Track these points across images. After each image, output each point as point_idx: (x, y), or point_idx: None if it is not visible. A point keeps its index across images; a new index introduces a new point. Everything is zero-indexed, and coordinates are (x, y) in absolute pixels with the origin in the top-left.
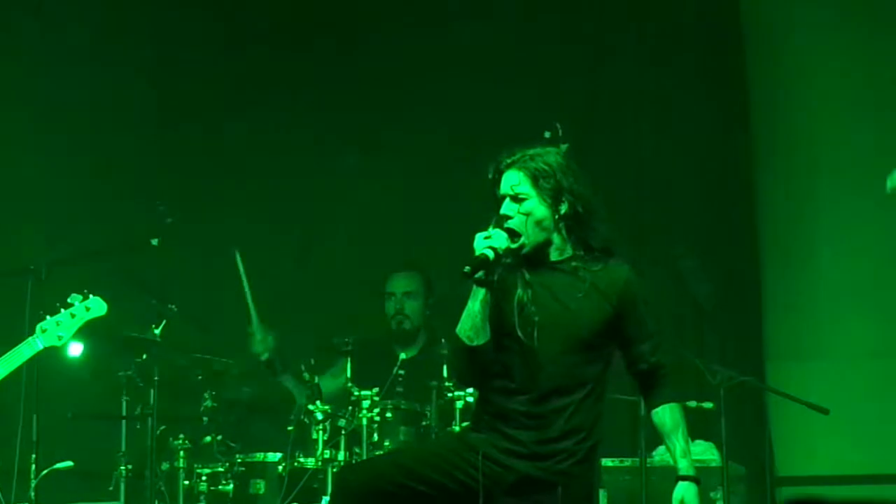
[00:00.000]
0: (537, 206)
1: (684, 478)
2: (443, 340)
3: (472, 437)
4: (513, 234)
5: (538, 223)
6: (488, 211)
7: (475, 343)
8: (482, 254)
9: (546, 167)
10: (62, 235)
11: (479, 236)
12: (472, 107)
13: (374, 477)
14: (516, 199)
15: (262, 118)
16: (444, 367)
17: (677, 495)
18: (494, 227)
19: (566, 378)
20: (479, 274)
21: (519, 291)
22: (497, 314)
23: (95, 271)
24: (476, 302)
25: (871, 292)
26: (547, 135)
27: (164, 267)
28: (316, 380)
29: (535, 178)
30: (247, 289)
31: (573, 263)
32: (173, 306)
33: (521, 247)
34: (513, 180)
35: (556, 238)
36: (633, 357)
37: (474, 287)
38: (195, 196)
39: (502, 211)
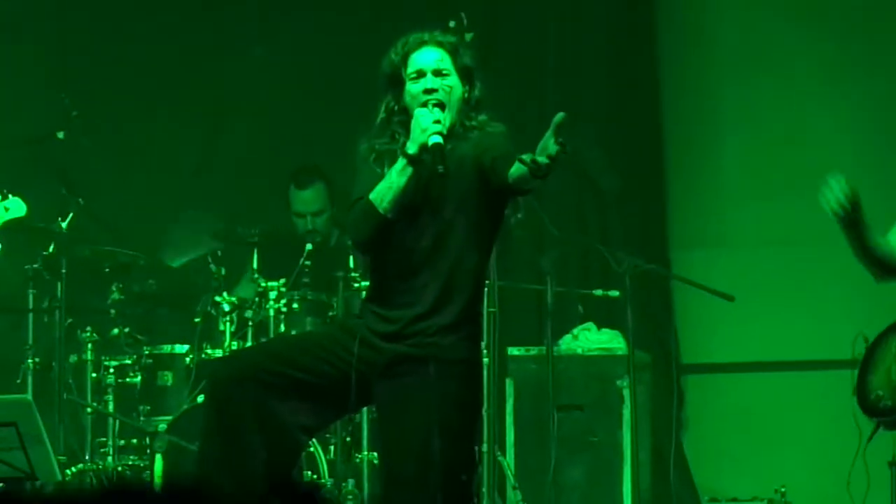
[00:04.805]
0: (457, 84)
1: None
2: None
3: (351, 322)
4: (441, 108)
5: (457, 101)
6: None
7: (391, 217)
8: (437, 142)
9: (462, 47)
10: None
11: (425, 116)
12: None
13: (246, 367)
14: (440, 73)
15: (168, 10)
16: (350, 258)
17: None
18: (429, 106)
19: (434, 253)
20: (440, 167)
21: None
22: None
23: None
24: (404, 178)
25: (774, 179)
26: (452, 24)
27: (71, 160)
28: (223, 271)
29: (454, 56)
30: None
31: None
32: (80, 199)
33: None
34: (435, 55)
35: None
36: (499, 172)
37: (403, 161)
38: (100, 90)
39: (428, 85)
